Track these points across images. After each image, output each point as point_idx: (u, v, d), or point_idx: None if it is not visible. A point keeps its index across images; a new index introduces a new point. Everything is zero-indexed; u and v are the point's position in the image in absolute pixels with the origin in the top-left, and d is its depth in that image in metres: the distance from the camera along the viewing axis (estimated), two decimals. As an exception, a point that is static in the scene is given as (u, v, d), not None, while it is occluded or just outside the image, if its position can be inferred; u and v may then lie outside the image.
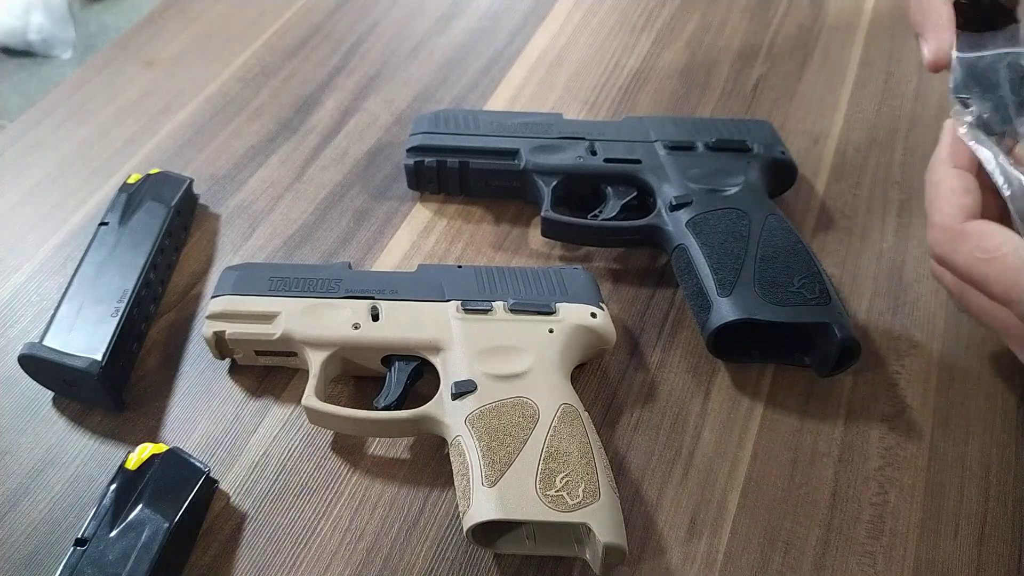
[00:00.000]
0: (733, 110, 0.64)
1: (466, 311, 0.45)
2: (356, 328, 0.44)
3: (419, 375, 0.45)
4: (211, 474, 0.41)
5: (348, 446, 0.44)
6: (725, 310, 0.44)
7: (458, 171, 0.55)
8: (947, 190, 0.40)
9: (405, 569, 0.40)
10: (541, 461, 0.38)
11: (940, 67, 0.43)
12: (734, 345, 0.46)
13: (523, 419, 0.40)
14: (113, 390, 0.44)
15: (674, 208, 0.50)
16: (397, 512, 0.42)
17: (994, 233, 0.37)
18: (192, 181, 0.55)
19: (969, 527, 0.41)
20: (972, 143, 0.41)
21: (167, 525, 0.38)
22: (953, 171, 0.41)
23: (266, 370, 0.47)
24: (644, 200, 0.53)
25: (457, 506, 0.40)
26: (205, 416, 0.45)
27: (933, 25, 0.43)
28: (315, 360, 0.44)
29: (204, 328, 0.45)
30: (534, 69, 0.68)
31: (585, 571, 0.39)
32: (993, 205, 0.40)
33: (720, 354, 0.47)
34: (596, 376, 0.47)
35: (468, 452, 0.39)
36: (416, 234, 0.55)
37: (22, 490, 0.42)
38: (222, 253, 0.54)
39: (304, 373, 0.46)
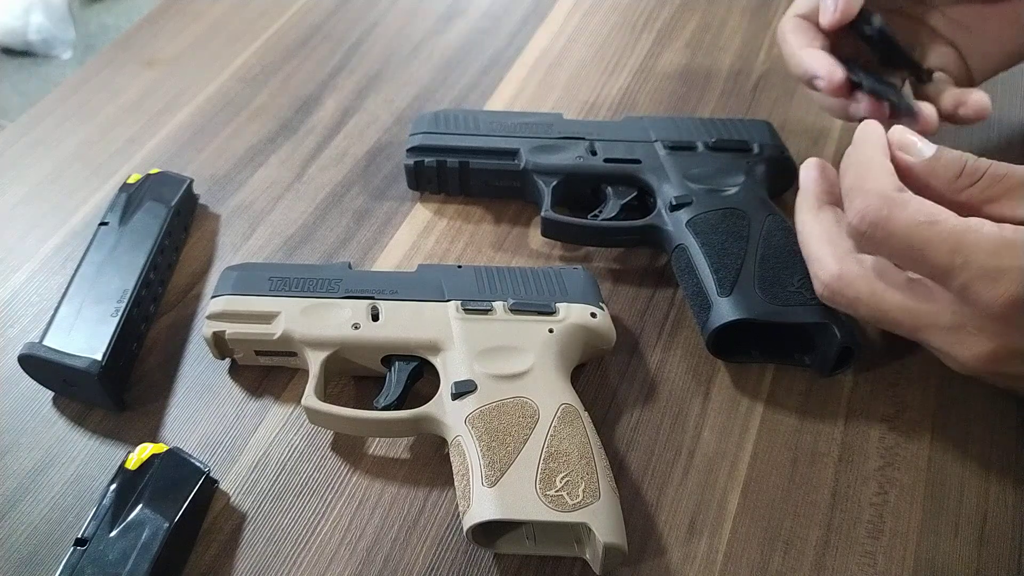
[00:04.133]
0: (733, 110, 0.64)
1: (466, 311, 0.45)
2: (356, 328, 0.44)
3: (419, 375, 0.45)
4: (211, 474, 0.41)
5: (348, 446, 0.44)
6: (725, 310, 0.44)
7: (458, 171, 0.55)
8: (879, 164, 0.40)
9: (405, 569, 0.40)
10: (541, 461, 0.38)
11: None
12: (734, 345, 0.46)
13: (523, 419, 0.40)
14: (113, 390, 0.44)
15: (674, 208, 0.50)
16: (397, 512, 0.42)
17: (930, 202, 0.37)
18: (192, 181, 0.55)
19: (969, 527, 0.41)
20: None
21: (167, 525, 0.38)
22: (885, 151, 0.41)
23: (266, 370, 0.47)
24: (644, 200, 0.53)
25: (457, 506, 0.40)
26: (205, 416, 0.45)
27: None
28: (315, 360, 0.44)
29: (204, 328, 0.45)
30: (534, 69, 0.68)
31: (585, 571, 0.39)
32: None
33: (720, 354, 0.47)
34: (596, 376, 0.47)
35: (468, 452, 0.39)
36: (416, 234, 0.55)
37: (22, 490, 0.42)
38: (222, 253, 0.54)
39: (304, 373, 0.46)
